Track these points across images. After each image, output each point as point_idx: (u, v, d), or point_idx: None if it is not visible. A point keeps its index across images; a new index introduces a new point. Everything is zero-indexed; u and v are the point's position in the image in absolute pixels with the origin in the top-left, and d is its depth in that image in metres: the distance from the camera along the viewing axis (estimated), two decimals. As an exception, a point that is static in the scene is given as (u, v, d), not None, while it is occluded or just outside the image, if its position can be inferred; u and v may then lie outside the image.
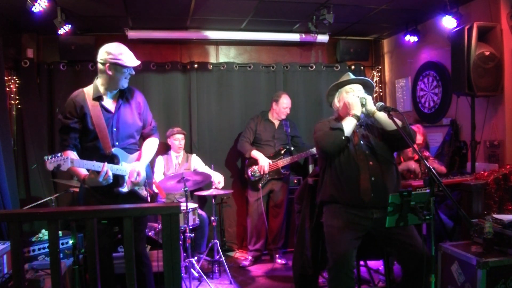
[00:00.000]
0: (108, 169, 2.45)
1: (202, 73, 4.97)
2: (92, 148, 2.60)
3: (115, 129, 2.63)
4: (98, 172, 2.43)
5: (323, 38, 5.03)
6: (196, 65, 4.93)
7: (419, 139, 3.87)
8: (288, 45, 5.30)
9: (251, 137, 4.53)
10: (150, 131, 2.86)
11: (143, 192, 2.76)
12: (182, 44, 5.08)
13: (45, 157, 2.29)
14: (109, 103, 2.66)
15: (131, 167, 2.63)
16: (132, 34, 4.59)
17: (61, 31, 3.99)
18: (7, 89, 4.25)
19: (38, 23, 4.11)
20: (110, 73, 2.56)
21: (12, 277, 2.40)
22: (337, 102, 2.83)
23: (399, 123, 2.49)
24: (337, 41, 5.29)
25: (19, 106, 4.46)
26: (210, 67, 4.99)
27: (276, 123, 4.56)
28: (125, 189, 2.62)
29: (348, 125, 2.61)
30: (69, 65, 4.65)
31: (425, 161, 2.23)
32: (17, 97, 4.46)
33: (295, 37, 5.04)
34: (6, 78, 4.19)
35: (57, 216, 2.04)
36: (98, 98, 2.61)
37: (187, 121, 4.92)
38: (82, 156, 2.54)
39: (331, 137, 2.61)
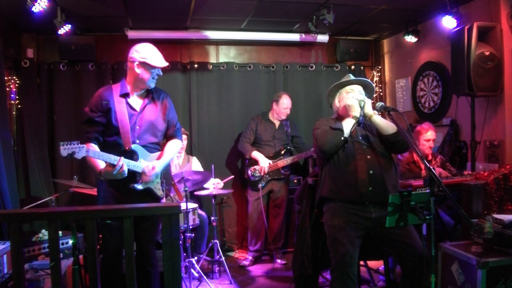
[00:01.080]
0: (123, 164, 2.47)
1: (202, 73, 4.96)
2: (113, 143, 2.63)
3: (137, 127, 2.66)
4: (114, 166, 2.46)
5: (323, 38, 5.03)
6: (196, 65, 4.93)
7: (433, 134, 3.86)
8: (288, 45, 5.30)
9: (252, 138, 4.53)
10: (174, 133, 2.87)
11: (159, 192, 2.76)
12: (182, 44, 5.08)
13: (60, 142, 2.32)
14: (135, 101, 2.69)
15: (147, 165, 2.65)
16: (132, 34, 4.58)
17: (61, 31, 3.99)
18: (7, 89, 4.25)
19: (38, 23, 4.11)
20: (138, 71, 2.61)
21: (12, 277, 2.40)
22: (337, 103, 2.85)
23: (395, 128, 2.54)
24: (337, 41, 5.29)
25: (19, 106, 4.46)
26: (210, 67, 4.99)
27: (277, 123, 4.56)
28: (140, 186, 2.63)
29: (347, 126, 2.66)
30: (69, 65, 4.65)
31: (424, 161, 2.23)
32: (17, 97, 4.46)
33: (295, 37, 5.04)
34: (6, 78, 4.19)
35: (57, 216, 2.04)
36: (124, 95, 2.65)
37: (187, 121, 4.91)
38: (103, 150, 2.56)
39: (330, 136, 2.65)
